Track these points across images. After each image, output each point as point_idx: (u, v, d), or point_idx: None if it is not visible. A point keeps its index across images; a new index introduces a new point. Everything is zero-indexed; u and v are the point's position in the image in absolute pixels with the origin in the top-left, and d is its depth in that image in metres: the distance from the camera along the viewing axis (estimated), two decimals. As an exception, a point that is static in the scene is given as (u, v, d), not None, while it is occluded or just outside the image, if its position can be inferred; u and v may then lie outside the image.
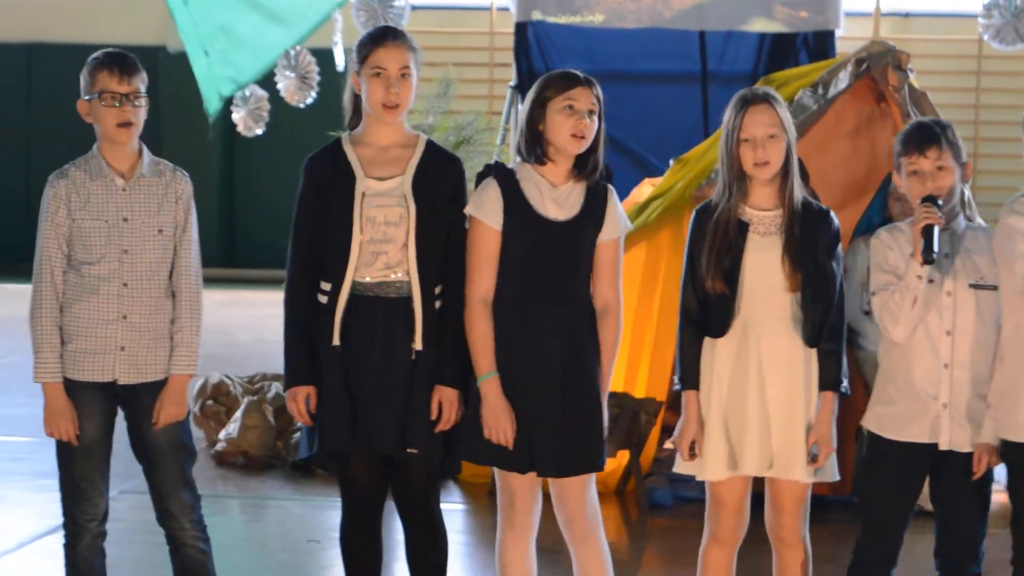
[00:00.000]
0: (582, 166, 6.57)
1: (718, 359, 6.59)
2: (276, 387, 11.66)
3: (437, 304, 6.60)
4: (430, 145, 6.77)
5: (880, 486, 6.71)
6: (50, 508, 9.79)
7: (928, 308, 6.49)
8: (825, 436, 6.53)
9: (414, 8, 13.31)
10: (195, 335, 6.75)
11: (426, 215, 6.57)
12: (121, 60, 6.69)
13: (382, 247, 6.56)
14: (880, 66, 10.27)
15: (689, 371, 6.63)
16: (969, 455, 6.54)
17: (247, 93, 13.20)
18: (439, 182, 6.65)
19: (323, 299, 6.58)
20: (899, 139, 6.68)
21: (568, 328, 6.60)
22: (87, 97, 6.66)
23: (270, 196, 17.12)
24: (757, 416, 6.54)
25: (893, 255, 6.55)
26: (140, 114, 6.65)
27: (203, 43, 12.91)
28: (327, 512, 10.00)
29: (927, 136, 6.57)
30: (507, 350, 6.56)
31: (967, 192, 10.00)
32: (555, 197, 6.58)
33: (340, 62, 13.25)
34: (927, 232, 6.30)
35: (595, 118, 6.52)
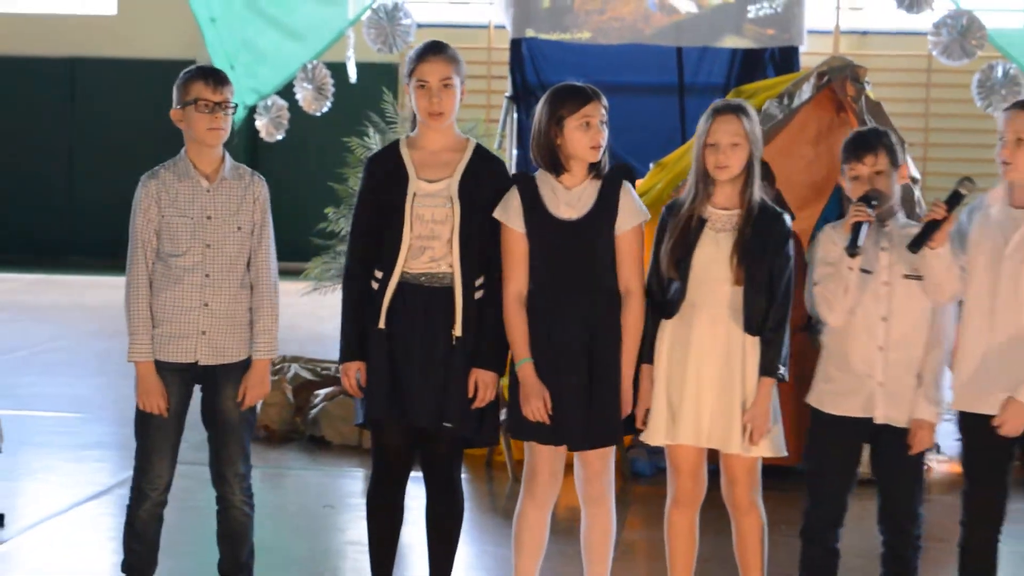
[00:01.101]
0: (595, 167, 6.61)
1: (664, 338, 6.67)
2: (295, 368, 11.65)
3: (477, 295, 6.65)
4: (478, 149, 6.84)
5: (822, 456, 6.74)
6: (90, 477, 9.85)
7: (866, 297, 6.53)
8: (759, 417, 6.56)
9: (419, 26, 13.29)
10: (274, 323, 6.86)
11: (469, 214, 6.63)
12: (215, 73, 6.82)
13: (429, 242, 6.63)
14: (839, 79, 10.25)
15: (646, 348, 6.69)
16: (903, 429, 6.58)
17: (268, 103, 13.17)
18: (483, 184, 6.70)
19: (375, 286, 6.67)
20: (844, 146, 6.71)
21: (588, 315, 6.63)
22: (180, 105, 6.72)
23: (289, 195, 17.06)
24: (692, 392, 6.60)
25: (833, 249, 6.58)
26: (228, 122, 6.74)
27: (229, 58, 12.89)
28: (340, 480, 10.01)
29: (865, 144, 6.64)
30: (537, 337, 6.61)
31: (917, 192, 9.99)
32: (568, 199, 6.61)
33: (353, 75, 13.25)
34: (855, 228, 6.38)
35: (605, 127, 6.57)
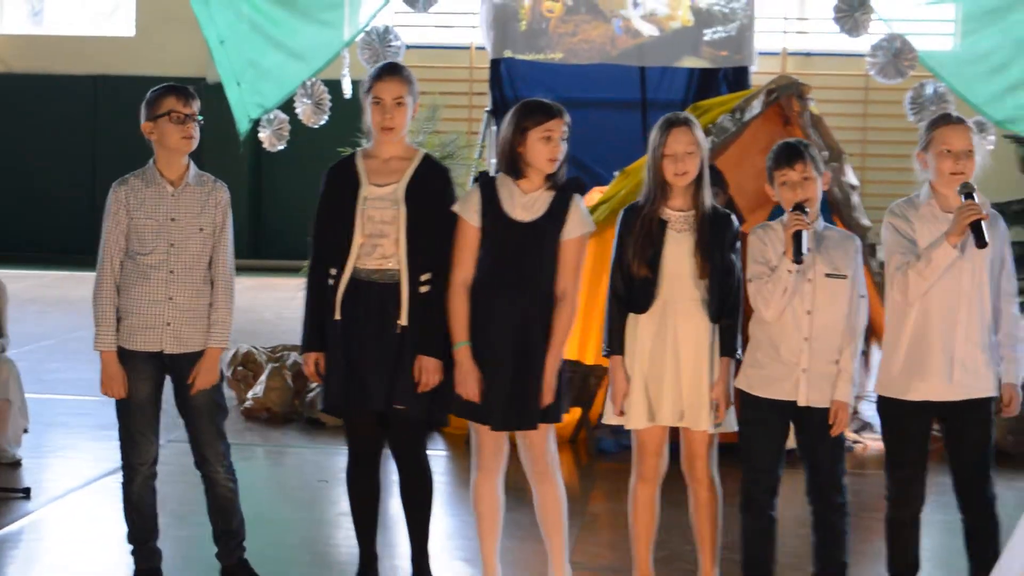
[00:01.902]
0: (551, 177, 6.60)
1: (640, 331, 6.67)
2: (294, 356, 11.66)
3: (422, 289, 6.63)
4: (426, 158, 6.86)
5: (752, 434, 6.74)
6: (109, 454, 9.78)
7: (793, 293, 6.56)
8: (723, 393, 6.63)
9: (408, 47, 13.27)
10: (228, 315, 6.85)
11: (415, 216, 6.63)
12: (184, 88, 6.88)
13: (378, 240, 6.64)
14: (786, 96, 10.26)
15: (615, 340, 6.72)
16: (824, 410, 6.62)
17: (271, 116, 13.14)
18: (429, 189, 6.70)
19: (331, 282, 6.67)
20: (771, 156, 6.74)
21: (520, 312, 6.61)
22: (151, 119, 6.80)
23: (290, 199, 17.03)
24: (672, 378, 6.64)
25: (767, 250, 6.63)
26: (197, 131, 6.79)
27: (236, 76, 12.87)
28: (334, 457, 9.98)
29: (794, 153, 6.66)
30: (477, 324, 6.60)
31: (856, 197, 10.00)
32: (523, 203, 6.60)
33: (348, 91, 13.22)
34: (797, 236, 6.41)
35: (565, 142, 6.57)
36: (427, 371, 6.62)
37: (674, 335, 6.63)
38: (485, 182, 6.70)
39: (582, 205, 6.71)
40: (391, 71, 6.78)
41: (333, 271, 6.68)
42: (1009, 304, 6.70)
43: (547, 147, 6.53)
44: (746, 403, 6.73)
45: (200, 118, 6.83)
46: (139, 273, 6.72)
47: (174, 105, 6.74)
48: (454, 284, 6.61)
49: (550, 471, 6.80)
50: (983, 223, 6.28)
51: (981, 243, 6.28)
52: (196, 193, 6.82)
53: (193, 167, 6.88)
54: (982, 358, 6.54)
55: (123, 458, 6.87)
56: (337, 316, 6.66)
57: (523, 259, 6.60)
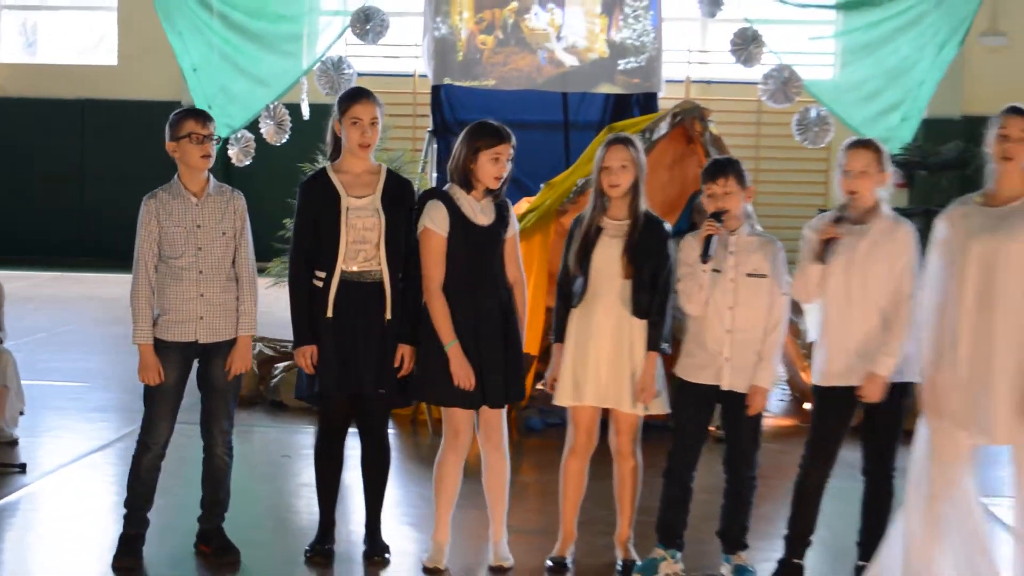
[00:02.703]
0: (495, 191, 6.72)
1: (571, 322, 6.80)
2: (259, 346, 11.60)
3: (400, 286, 6.75)
4: (389, 172, 6.94)
5: (683, 414, 6.82)
6: (96, 434, 9.76)
7: (717, 291, 6.62)
8: (646, 383, 6.68)
9: (359, 74, 13.25)
10: (254, 306, 6.93)
11: (391, 222, 6.73)
12: (203, 113, 6.93)
13: (361, 246, 6.72)
14: (689, 118, 10.29)
15: (558, 330, 6.85)
16: (744, 394, 6.69)
17: (239, 135, 13.08)
18: (398, 198, 6.81)
19: (318, 283, 6.72)
20: (702, 172, 6.85)
21: (501, 304, 6.75)
22: (174, 139, 6.78)
23: (256, 208, 16.94)
24: (594, 364, 6.74)
25: (691, 253, 6.71)
26: (214, 150, 6.83)
27: (207, 99, 12.81)
28: (295, 436, 9.96)
29: (719, 169, 6.76)
30: (462, 324, 6.66)
31: (750, 207, 10.05)
32: (481, 209, 6.71)
33: (306, 113, 13.19)
34: (707, 240, 6.55)
35: (510, 163, 6.69)
36: (408, 357, 6.76)
37: (598, 327, 6.74)
38: (442, 196, 6.74)
39: (511, 209, 6.90)
40: (367, 95, 6.86)
41: (321, 274, 6.73)
42: (905, 304, 6.68)
43: (495, 167, 6.63)
44: (679, 387, 6.81)
45: (216, 137, 6.85)
46: (172, 275, 6.76)
47: (194, 128, 6.75)
48: (432, 289, 6.66)
49: (503, 443, 6.90)
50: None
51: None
52: (217, 202, 6.85)
53: (212, 180, 6.92)
54: (881, 349, 6.55)
55: (141, 435, 6.90)
56: (329, 314, 6.70)
57: (490, 258, 6.74)
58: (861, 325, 6.54)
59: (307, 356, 6.74)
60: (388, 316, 6.72)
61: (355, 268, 6.71)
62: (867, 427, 6.68)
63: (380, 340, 6.72)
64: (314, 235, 6.75)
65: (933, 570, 6.28)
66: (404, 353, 6.74)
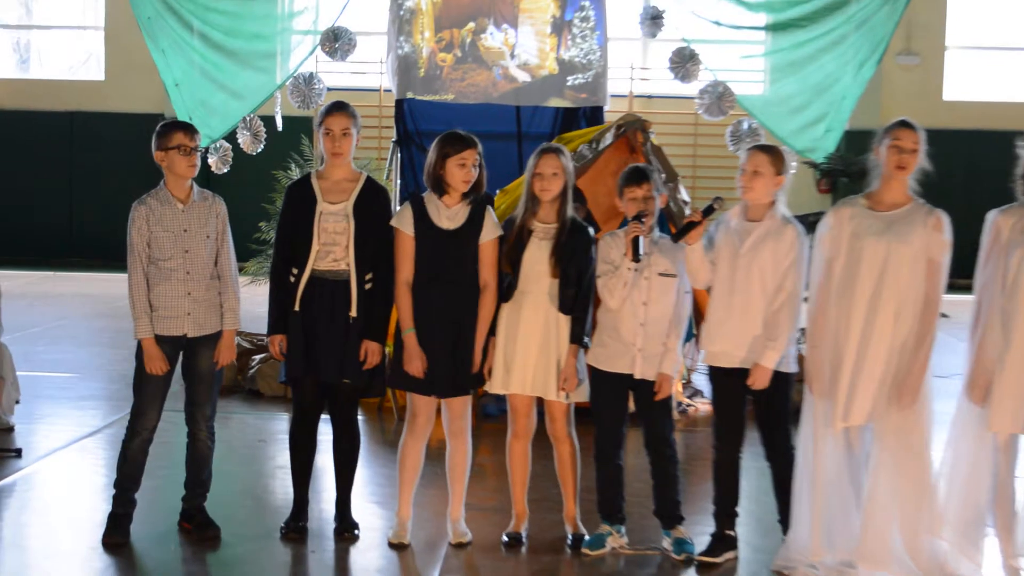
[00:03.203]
0: (467, 195, 6.73)
1: (502, 316, 6.81)
2: (237, 339, 11.51)
3: (366, 286, 6.76)
4: (368, 180, 6.96)
5: (600, 400, 6.86)
6: (86, 421, 9.73)
7: (632, 287, 6.66)
8: (568, 374, 6.73)
9: (329, 89, 13.20)
10: (237, 303, 6.96)
11: (361, 227, 6.76)
12: (190, 125, 6.94)
13: (331, 248, 6.76)
14: (632, 130, 10.33)
15: (493, 324, 6.83)
16: (653, 381, 6.75)
17: (217, 145, 13.03)
18: (372, 205, 6.84)
19: (292, 279, 6.77)
20: (622, 176, 6.88)
21: (454, 301, 6.74)
22: (162, 150, 6.79)
23: (234, 211, 16.92)
24: (522, 355, 6.77)
25: (611, 252, 6.76)
26: (199, 160, 6.84)
27: (188, 112, 12.75)
28: (270, 422, 9.96)
29: (639, 175, 6.80)
30: (419, 316, 6.71)
31: (687, 211, 10.10)
32: (448, 214, 6.73)
33: (280, 125, 13.17)
34: (635, 241, 6.57)
35: (476, 168, 6.70)
36: (372, 352, 6.78)
37: (527, 321, 6.76)
38: (415, 200, 6.81)
39: (493, 215, 6.86)
40: (339, 107, 6.89)
41: (295, 271, 6.77)
42: (789, 301, 6.74)
43: (462, 172, 6.66)
44: (594, 376, 6.83)
45: (201, 148, 6.86)
46: (161, 275, 6.78)
47: (182, 140, 6.78)
48: (398, 283, 6.73)
49: (464, 430, 6.92)
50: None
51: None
52: (201, 207, 6.87)
53: (196, 187, 6.93)
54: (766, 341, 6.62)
55: (131, 422, 6.92)
56: (296, 308, 6.76)
57: (450, 259, 6.72)
58: (742, 313, 6.59)
59: (275, 344, 6.84)
60: (353, 313, 6.74)
61: (324, 267, 6.75)
62: (758, 415, 6.75)
63: (343, 334, 6.75)
64: (292, 235, 6.80)
65: (823, 531, 6.45)
66: (369, 348, 6.76)
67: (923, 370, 6.28)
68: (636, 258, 6.58)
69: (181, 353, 6.90)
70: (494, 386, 6.84)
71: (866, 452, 6.45)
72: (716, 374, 6.74)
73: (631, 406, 6.91)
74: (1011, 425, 6.30)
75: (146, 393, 6.84)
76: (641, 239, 6.58)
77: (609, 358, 6.77)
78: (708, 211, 6.63)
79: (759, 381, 6.53)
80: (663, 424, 6.84)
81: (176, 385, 6.96)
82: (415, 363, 6.66)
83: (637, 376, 6.73)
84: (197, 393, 6.94)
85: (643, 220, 6.62)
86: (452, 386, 6.77)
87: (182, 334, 6.80)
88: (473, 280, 6.75)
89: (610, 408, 6.84)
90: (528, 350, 6.74)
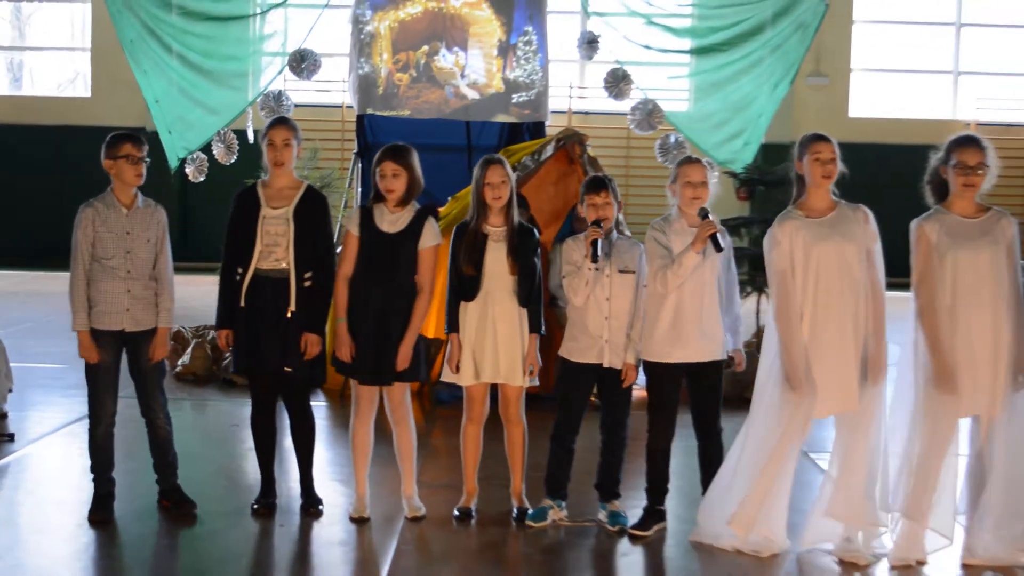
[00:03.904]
0: (405, 201, 6.72)
1: (469, 313, 6.78)
2: (212, 333, 11.53)
3: (305, 283, 6.73)
4: (309, 188, 6.93)
5: (568, 389, 6.87)
6: (74, 407, 9.63)
7: (595, 284, 6.64)
8: (532, 360, 6.74)
9: (296, 105, 13.16)
10: (171, 303, 6.86)
11: (300, 230, 6.72)
12: (137, 137, 6.88)
13: (273, 249, 6.72)
14: (571, 142, 10.34)
15: (452, 321, 6.82)
16: (619, 370, 6.75)
17: (194, 156, 12.95)
18: (311, 211, 6.78)
19: (237, 278, 6.73)
20: (584, 185, 6.88)
21: (386, 299, 6.70)
22: (111, 158, 6.76)
23: (209, 217, 16.69)
24: (491, 347, 6.75)
25: (575, 254, 6.74)
26: (143, 169, 6.77)
27: (168, 126, 12.70)
28: (243, 408, 9.85)
29: (599, 184, 6.80)
30: (355, 305, 6.70)
31: (621, 217, 10.10)
32: (390, 219, 6.72)
33: (251, 137, 13.08)
34: (594, 244, 6.55)
35: (396, 178, 6.68)
36: (311, 343, 6.74)
37: (493, 316, 6.74)
38: (364, 206, 6.83)
39: (435, 224, 6.83)
40: (281, 122, 6.92)
41: (240, 270, 6.73)
42: (734, 291, 6.84)
43: (382, 182, 6.71)
44: (564, 366, 6.83)
45: (148, 159, 6.79)
46: (104, 273, 6.70)
47: (131, 150, 6.74)
48: (339, 277, 6.74)
49: (405, 416, 6.88)
50: (717, 235, 6.43)
51: (718, 249, 6.48)
52: (143, 214, 6.80)
53: (140, 195, 6.86)
54: (719, 331, 6.67)
55: (90, 411, 6.84)
56: (242, 303, 6.73)
57: (387, 260, 6.70)
58: (689, 314, 6.61)
59: (222, 337, 6.84)
60: (292, 308, 6.71)
61: (267, 266, 6.72)
62: (695, 400, 6.76)
63: (284, 327, 6.72)
64: (238, 237, 6.77)
65: (767, 505, 6.45)
66: (309, 340, 6.73)
67: (885, 349, 6.32)
68: (595, 259, 6.57)
69: (124, 350, 6.83)
70: (464, 379, 6.79)
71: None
72: (657, 368, 6.73)
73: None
74: (965, 411, 6.29)
75: (97, 382, 6.79)
76: (599, 242, 6.57)
77: (580, 351, 6.78)
78: (704, 215, 6.55)
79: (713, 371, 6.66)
80: (623, 410, 6.86)
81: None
82: (343, 349, 6.68)
83: (606, 365, 6.75)
84: (145, 386, 6.87)
85: (601, 225, 6.63)
86: (374, 375, 6.74)
87: (120, 328, 6.73)
88: (407, 281, 6.71)
89: (577, 396, 6.86)
90: (498, 342, 6.73)
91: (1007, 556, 6.28)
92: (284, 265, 6.71)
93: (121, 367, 6.88)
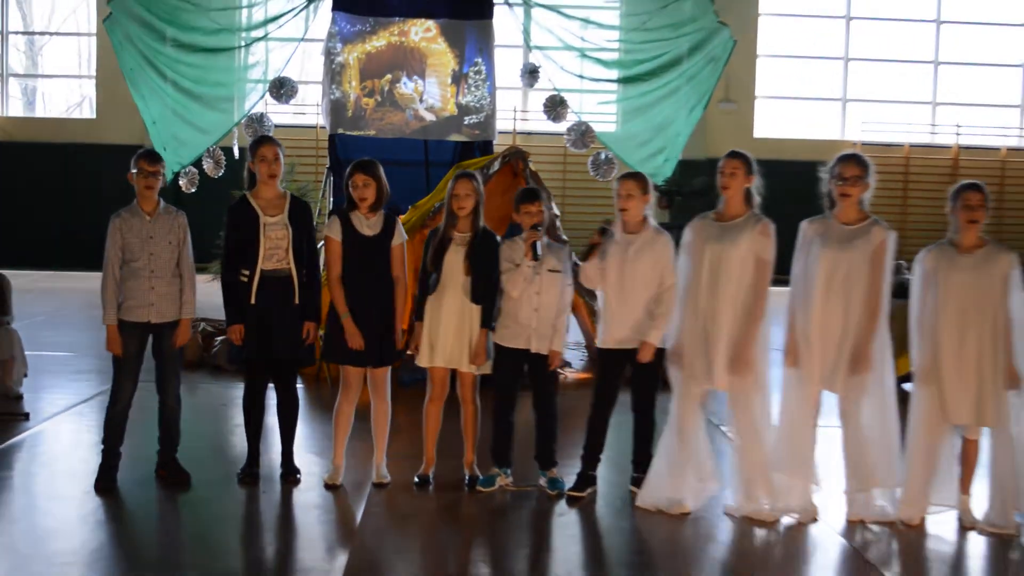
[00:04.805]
0: (375, 207, 6.71)
1: (429, 305, 6.78)
2: (203, 324, 11.44)
3: (304, 279, 6.77)
4: (292, 197, 6.92)
5: (501, 370, 6.86)
6: (81, 390, 9.56)
7: (529, 281, 6.67)
8: (479, 351, 6.74)
9: (276, 126, 13.10)
10: (193, 297, 6.84)
11: (296, 234, 6.74)
12: (152, 154, 6.86)
13: (274, 251, 6.72)
14: (515, 159, 10.36)
15: (419, 312, 6.81)
16: (545, 356, 6.78)
17: (187, 170, 12.84)
18: (300, 217, 6.81)
19: (244, 279, 6.70)
20: (518, 196, 6.88)
21: (377, 292, 6.73)
22: (133, 171, 6.75)
23: (200, 224, 16.65)
24: (443, 336, 6.76)
25: (514, 254, 6.78)
26: (159, 182, 6.76)
27: (163, 144, 12.59)
28: (229, 390, 9.83)
29: (531, 195, 6.84)
30: (352, 303, 6.69)
31: (558, 222, 10.14)
32: (368, 224, 6.72)
33: (236, 154, 13.02)
34: (533, 246, 6.62)
35: (367, 187, 6.67)
36: (312, 330, 6.79)
37: (447, 309, 6.75)
38: (341, 214, 6.79)
39: (400, 225, 6.87)
40: (270, 140, 6.90)
41: (246, 272, 6.69)
42: (668, 292, 6.82)
43: (355, 192, 6.69)
44: (499, 351, 6.84)
45: (163, 174, 6.82)
46: (132, 273, 6.68)
47: (142, 166, 6.74)
48: (332, 279, 6.71)
49: (386, 393, 6.91)
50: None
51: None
52: (165, 219, 6.78)
53: (162, 202, 6.84)
54: (649, 323, 6.69)
55: (112, 392, 6.82)
56: (252, 301, 6.70)
57: (373, 259, 6.71)
58: (631, 307, 6.66)
59: (236, 332, 6.75)
60: (296, 301, 6.72)
61: (270, 267, 6.69)
62: (635, 379, 6.79)
63: (291, 318, 6.71)
64: (240, 244, 6.72)
65: (683, 474, 6.52)
66: (309, 327, 6.75)
67: (750, 344, 6.35)
68: (535, 257, 6.64)
69: (151, 337, 6.79)
70: (422, 361, 6.81)
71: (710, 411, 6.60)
72: (605, 354, 6.77)
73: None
74: (825, 385, 6.40)
75: (122, 369, 6.75)
76: (538, 243, 6.63)
77: (511, 337, 6.79)
78: (603, 232, 6.68)
79: (646, 355, 6.60)
80: (549, 389, 6.87)
81: (148, 362, 6.85)
82: (356, 340, 6.64)
83: (533, 351, 6.75)
84: (164, 369, 6.84)
85: (538, 228, 6.67)
86: (379, 359, 6.76)
87: (146, 320, 6.70)
88: (387, 275, 6.74)
89: (509, 377, 6.85)
90: (448, 332, 6.73)
91: (877, 514, 6.41)
92: (285, 265, 6.71)
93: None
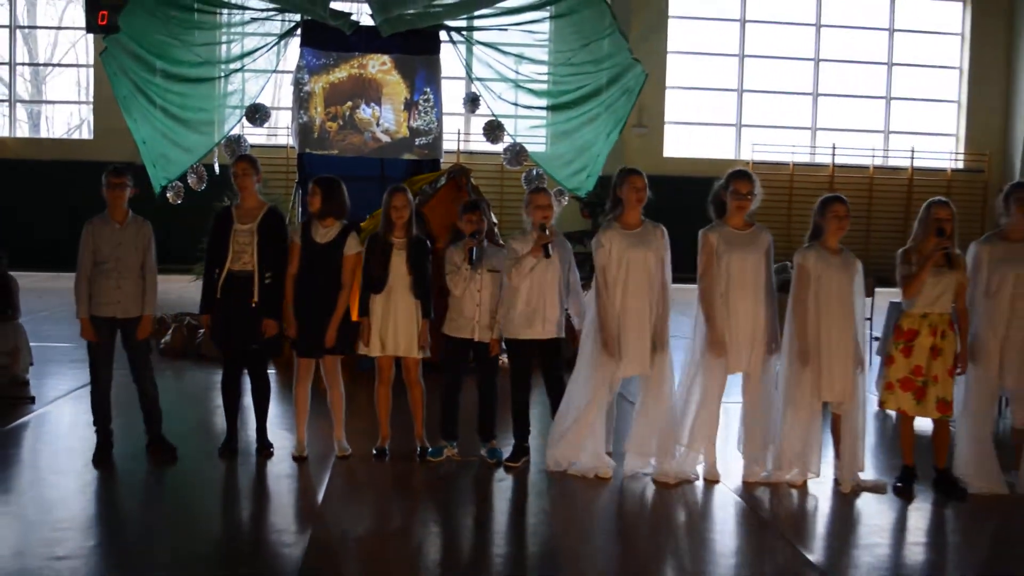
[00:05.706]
0: (326, 216, 6.68)
1: (377, 303, 6.74)
2: (188, 318, 11.31)
3: (266, 281, 6.66)
4: (271, 208, 6.87)
5: (448, 357, 6.86)
6: (80, 377, 9.40)
7: (471, 281, 6.64)
8: (424, 338, 6.72)
9: (252, 146, 12.95)
10: (154, 296, 6.72)
11: (262, 240, 6.66)
12: (119, 169, 6.78)
13: (241, 255, 6.65)
14: (459, 175, 10.35)
15: (364, 309, 6.75)
16: (487, 344, 6.77)
17: (173, 184, 12.68)
18: (272, 226, 6.72)
19: (215, 276, 6.67)
20: (461, 207, 6.87)
21: (323, 291, 6.66)
22: (103, 184, 6.68)
23: (184, 229, 16.36)
24: (391, 328, 6.71)
25: (456, 258, 6.76)
26: (124, 192, 6.67)
27: (152, 161, 12.41)
28: (211, 376, 9.72)
29: (474, 206, 6.85)
30: (299, 299, 6.66)
31: (496, 230, 10.14)
32: (322, 233, 6.67)
33: (217, 170, 12.86)
34: (471, 251, 6.62)
35: (315, 197, 6.67)
36: (269, 326, 6.68)
37: (395, 305, 6.71)
38: (305, 223, 6.77)
39: (356, 237, 6.79)
40: (243, 158, 6.85)
41: (217, 271, 6.67)
42: (578, 286, 6.87)
43: (311, 202, 6.71)
44: (447, 340, 6.82)
45: (129, 185, 6.66)
46: (102, 274, 6.60)
47: (110, 178, 6.68)
48: (288, 275, 6.68)
49: (337, 379, 6.86)
50: (548, 245, 6.53)
51: (547, 255, 6.55)
52: (132, 227, 6.69)
53: (130, 212, 6.75)
54: (560, 316, 6.72)
55: (91, 377, 6.73)
56: (218, 295, 6.66)
57: (321, 264, 6.64)
58: (546, 304, 6.66)
59: (205, 320, 6.78)
60: (255, 299, 6.65)
61: (237, 268, 6.64)
62: (544, 366, 6.81)
63: (251, 312, 6.65)
64: (216, 246, 6.70)
65: (584, 444, 6.60)
66: (267, 324, 6.69)
67: (668, 326, 6.48)
68: (471, 263, 6.60)
69: (119, 331, 6.71)
70: (373, 351, 6.76)
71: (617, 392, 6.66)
72: (515, 344, 6.76)
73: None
74: (732, 369, 6.46)
75: (96, 357, 6.69)
76: (475, 250, 6.62)
77: (457, 329, 6.78)
78: (543, 229, 6.59)
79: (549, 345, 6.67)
80: (490, 372, 6.86)
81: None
82: (291, 328, 6.66)
83: (476, 340, 6.75)
84: (135, 359, 6.77)
85: (476, 236, 6.65)
86: (319, 349, 6.72)
87: (112, 316, 6.63)
88: (334, 279, 6.67)
89: (456, 363, 6.85)
90: (398, 324, 6.70)
91: (771, 476, 6.50)
92: (250, 267, 6.63)
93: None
